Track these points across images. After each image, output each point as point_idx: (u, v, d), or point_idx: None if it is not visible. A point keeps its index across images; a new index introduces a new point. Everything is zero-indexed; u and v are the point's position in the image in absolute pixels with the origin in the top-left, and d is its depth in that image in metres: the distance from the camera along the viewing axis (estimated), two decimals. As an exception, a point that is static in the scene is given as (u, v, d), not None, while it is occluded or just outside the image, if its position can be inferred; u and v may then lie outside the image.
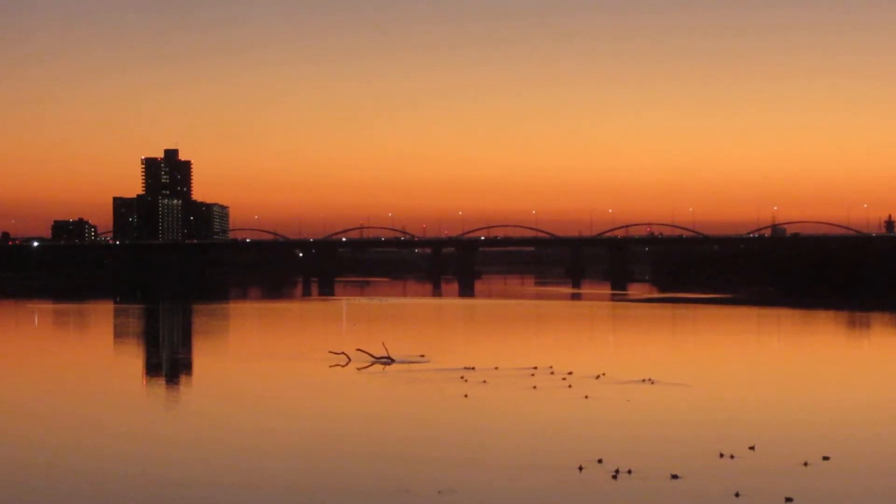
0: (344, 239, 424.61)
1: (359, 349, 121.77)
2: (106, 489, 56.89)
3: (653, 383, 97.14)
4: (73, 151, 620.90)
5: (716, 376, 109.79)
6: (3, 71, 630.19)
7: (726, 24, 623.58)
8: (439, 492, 53.35)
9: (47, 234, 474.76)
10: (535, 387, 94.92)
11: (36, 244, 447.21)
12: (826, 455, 62.36)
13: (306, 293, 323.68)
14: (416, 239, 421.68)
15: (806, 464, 60.21)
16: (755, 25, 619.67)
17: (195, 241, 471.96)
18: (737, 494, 52.66)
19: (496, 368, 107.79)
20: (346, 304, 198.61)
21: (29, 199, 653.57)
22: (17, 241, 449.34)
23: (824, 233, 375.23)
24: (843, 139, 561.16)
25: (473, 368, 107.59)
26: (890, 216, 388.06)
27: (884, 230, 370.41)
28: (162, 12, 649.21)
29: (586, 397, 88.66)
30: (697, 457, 61.99)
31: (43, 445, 71.06)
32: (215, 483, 57.98)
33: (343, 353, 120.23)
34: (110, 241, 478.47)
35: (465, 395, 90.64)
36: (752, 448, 64.39)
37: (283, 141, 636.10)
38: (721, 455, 62.07)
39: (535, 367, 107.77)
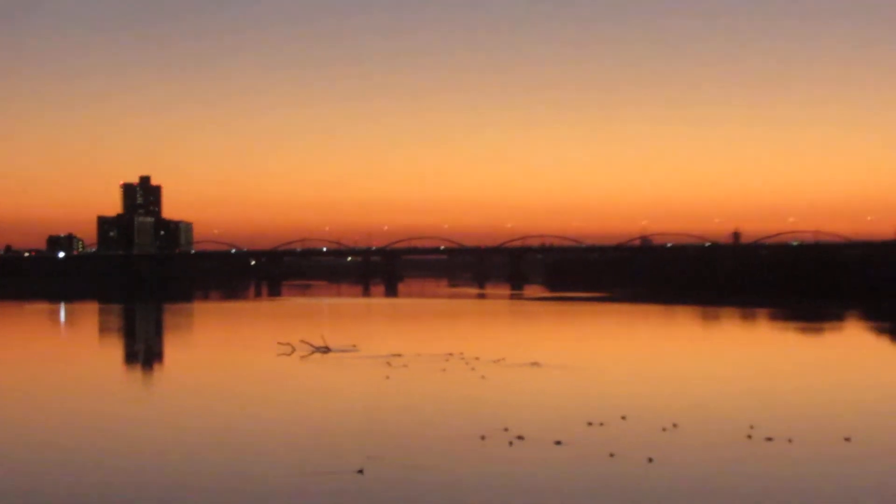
0: (301, 249, 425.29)
1: (302, 340, 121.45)
2: (71, 455, 56.74)
3: (539, 366, 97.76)
4: (62, 176, 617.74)
5: (592, 359, 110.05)
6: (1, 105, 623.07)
7: (603, 57, 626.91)
8: (368, 457, 53.43)
9: (42, 246, 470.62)
10: (444, 370, 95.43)
11: (26, 254, 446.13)
12: (675, 423, 63.17)
13: (258, 294, 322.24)
14: (349, 249, 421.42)
15: (664, 429, 61.01)
16: (627, 58, 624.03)
17: (165, 252, 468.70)
18: (611, 455, 53.26)
19: (418, 355, 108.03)
20: (326, 304, 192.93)
21: (26, 217, 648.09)
22: (34, 253, 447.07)
23: (683, 242, 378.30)
24: (700, 164, 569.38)
25: (399, 355, 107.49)
26: (736, 229, 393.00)
27: (731, 240, 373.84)
28: (137, 56, 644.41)
29: (483, 377, 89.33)
30: (577, 426, 62.53)
31: (26, 420, 70.85)
32: (162, 448, 57.92)
33: (289, 343, 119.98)
34: (95, 252, 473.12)
35: (387, 377, 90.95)
36: (623, 418, 65.13)
37: (239, 168, 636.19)
38: (601, 424, 62.91)
39: (450, 354, 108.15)
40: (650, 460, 51.99)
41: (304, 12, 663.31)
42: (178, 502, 44.86)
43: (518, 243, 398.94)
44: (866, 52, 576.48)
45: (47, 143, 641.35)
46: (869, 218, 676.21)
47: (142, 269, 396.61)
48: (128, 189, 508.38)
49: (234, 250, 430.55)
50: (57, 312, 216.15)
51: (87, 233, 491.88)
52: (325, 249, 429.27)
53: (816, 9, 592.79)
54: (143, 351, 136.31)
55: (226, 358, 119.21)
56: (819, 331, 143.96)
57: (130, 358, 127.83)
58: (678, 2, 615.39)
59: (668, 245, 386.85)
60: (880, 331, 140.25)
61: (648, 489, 46.61)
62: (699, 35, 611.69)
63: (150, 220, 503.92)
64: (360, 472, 49.97)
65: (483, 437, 58.28)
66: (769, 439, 57.24)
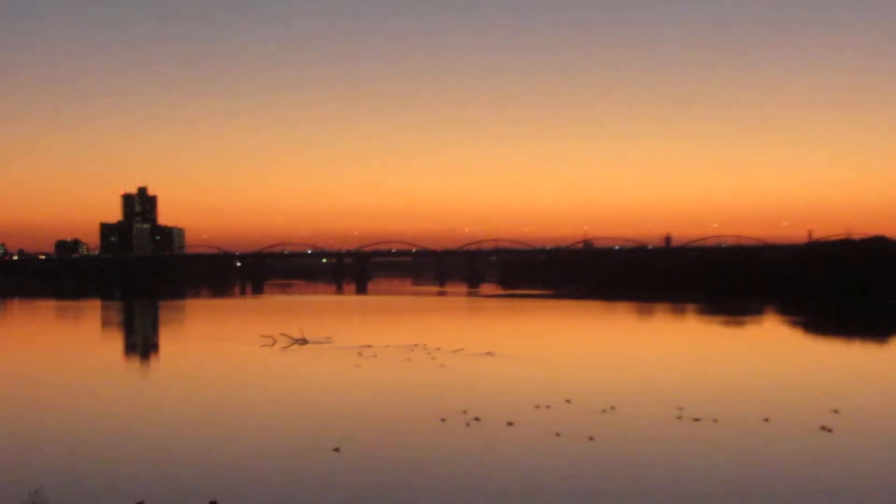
0: (281, 251, 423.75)
1: (282, 333, 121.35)
2: (77, 428, 57.07)
3: (494, 355, 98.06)
4: (69, 187, 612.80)
5: (540, 349, 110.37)
6: (11, 118, 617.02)
7: (547, 83, 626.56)
8: (343, 437, 53.78)
9: (51, 250, 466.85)
10: (409, 359, 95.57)
11: (42, 257, 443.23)
12: (613, 405, 63.60)
13: (243, 292, 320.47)
14: (324, 252, 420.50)
15: (603, 411, 61.54)
16: (568, 83, 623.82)
17: (160, 254, 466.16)
18: (557, 434, 53.68)
19: (386, 346, 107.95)
20: (309, 301, 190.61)
21: (35, 224, 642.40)
22: (52, 256, 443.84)
23: (620, 245, 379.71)
24: (635, 175, 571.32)
25: (369, 346, 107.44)
26: (667, 233, 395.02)
27: (663, 243, 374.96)
28: (135, 80, 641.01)
29: (443, 366, 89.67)
30: (527, 408, 63.00)
31: (36, 400, 70.72)
32: (155, 423, 58.34)
33: (270, 336, 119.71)
34: (98, 255, 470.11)
35: (358, 366, 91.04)
36: (568, 401, 65.50)
37: (227, 180, 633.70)
38: (548, 406, 63.52)
39: (415, 345, 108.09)
40: (591, 439, 52.69)
41: (290, 37, 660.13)
42: (168, 475, 45.05)
43: (474, 246, 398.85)
44: (781, 69, 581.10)
45: (55, 157, 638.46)
46: (784, 223, 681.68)
47: (139, 270, 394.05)
48: (127, 199, 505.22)
49: (221, 253, 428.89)
50: (64, 309, 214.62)
51: (91, 238, 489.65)
52: (303, 252, 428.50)
53: (735, 25, 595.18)
54: (140, 342, 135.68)
55: (214, 348, 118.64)
56: (740, 324, 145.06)
57: (129, 348, 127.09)
58: (615, 22, 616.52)
59: (607, 247, 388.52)
60: (793, 324, 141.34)
61: (590, 465, 47.26)
62: (631, 56, 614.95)
63: (146, 226, 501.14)
64: (337, 450, 50.43)
65: (444, 420, 58.76)
66: (697, 420, 57.99)
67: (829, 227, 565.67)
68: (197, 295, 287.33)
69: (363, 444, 52.18)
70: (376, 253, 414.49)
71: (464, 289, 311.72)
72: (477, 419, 58.95)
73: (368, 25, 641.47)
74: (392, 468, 46.82)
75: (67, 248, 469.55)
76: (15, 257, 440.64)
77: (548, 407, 63.22)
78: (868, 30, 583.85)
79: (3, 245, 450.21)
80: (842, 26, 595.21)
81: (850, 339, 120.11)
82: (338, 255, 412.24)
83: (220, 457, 50.30)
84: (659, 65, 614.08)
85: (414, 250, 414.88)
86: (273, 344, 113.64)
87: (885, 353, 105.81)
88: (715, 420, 57.82)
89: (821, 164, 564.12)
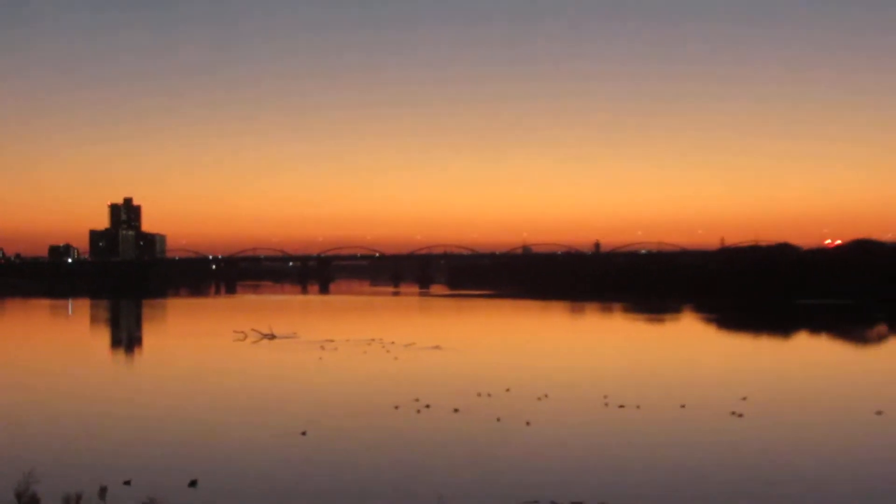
0: (252, 255, 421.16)
1: (253, 329, 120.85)
2: (68, 409, 56.78)
3: (441, 349, 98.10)
4: (61, 196, 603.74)
5: (483, 343, 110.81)
6: (6, 132, 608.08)
7: (493, 106, 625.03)
8: (308, 422, 53.55)
9: (45, 254, 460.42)
10: (366, 352, 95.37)
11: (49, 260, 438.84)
12: (547, 393, 63.85)
13: (217, 292, 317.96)
14: (290, 256, 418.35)
15: (539, 399, 61.80)
16: (511, 107, 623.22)
17: (144, 258, 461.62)
18: (498, 419, 53.87)
19: (346, 340, 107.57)
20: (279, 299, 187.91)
21: (30, 230, 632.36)
22: (56, 258, 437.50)
23: (555, 251, 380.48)
24: (569, 189, 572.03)
25: (331, 340, 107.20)
26: (596, 240, 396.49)
27: (593, 249, 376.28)
28: (120, 102, 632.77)
29: (396, 358, 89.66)
30: (471, 396, 63.10)
31: (28, 388, 69.75)
32: (144, 407, 57.75)
33: (242, 331, 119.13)
34: (88, 259, 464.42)
35: (321, 358, 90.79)
36: (507, 390, 65.71)
37: (204, 191, 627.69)
38: (489, 395, 63.70)
39: (372, 339, 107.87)
40: (528, 423, 53.00)
41: (264, 65, 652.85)
42: (152, 456, 44.73)
43: (425, 251, 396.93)
44: (699, 92, 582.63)
45: (48, 168, 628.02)
46: (699, 231, 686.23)
47: (124, 272, 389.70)
48: (114, 208, 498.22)
49: (198, 256, 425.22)
50: (57, 307, 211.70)
51: (81, 243, 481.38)
52: (271, 256, 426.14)
53: (656, 53, 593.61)
54: (125, 336, 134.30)
55: (191, 342, 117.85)
56: (661, 321, 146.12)
57: (115, 342, 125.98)
58: (552, 51, 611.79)
59: (543, 253, 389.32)
60: (708, 320, 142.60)
61: (527, 446, 47.68)
62: (564, 84, 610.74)
63: (131, 233, 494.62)
64: (304, 433, 50.55)
65: (397, 407, 58.77)
66: (621, 406, 58.40)
67: (739, 235, 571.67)
68: (176, 294, 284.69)
69: (327, 429, 52.08)
70: (338, 257, 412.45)
71: (416, 289, 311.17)
72: (427, 406, 59.06)
73: (338, 58, 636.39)
74: (353, 449, 46.85)
75: (60, 252, 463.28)
76: (12, 259, 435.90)
77: (489, 395, 63.40)
78: (776, 61, 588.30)
79: (1, 250, 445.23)
80: (751, 57, 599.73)
81: (758, 334, 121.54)
82: (303, 259, 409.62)
83: (199, 440, 50.06)
84: (589, 94, 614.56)
85: (372, 255, 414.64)
86: (244, 338, 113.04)
87: (788, 347, 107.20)
88: (638, 406, 58.27)
89: (732, 178, 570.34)
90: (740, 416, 54.66)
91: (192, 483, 39.09)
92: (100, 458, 44.81)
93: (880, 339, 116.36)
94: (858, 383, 71.26)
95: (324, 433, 50.97)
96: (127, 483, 37.93)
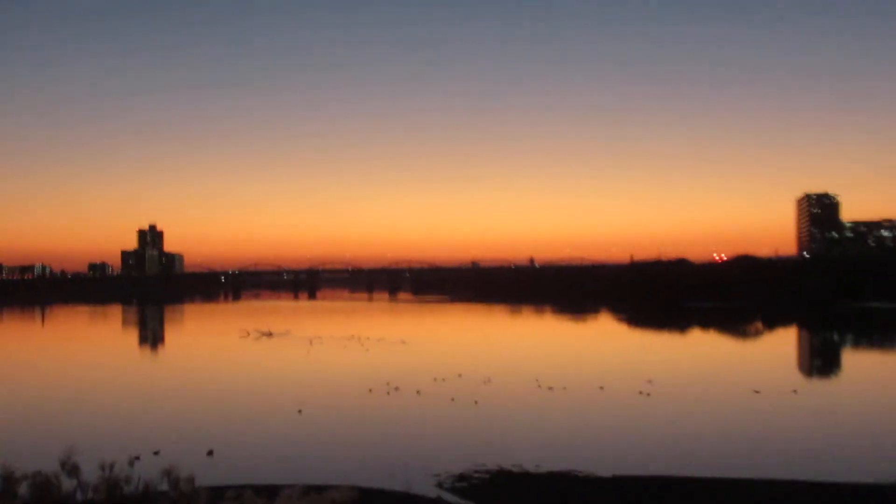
0: (254, 269, 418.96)
1: (255, 328, 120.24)
2: (105, 398, 56.19)
3: (406, 343, 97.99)
4: (98, 223, 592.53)
5: (439, 337, 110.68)
6: (45, 158, 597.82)
7: (444, 140, 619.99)
8: (301, 402, 53.38)
9: (85, 269, 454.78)
10: (345, 346, 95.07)
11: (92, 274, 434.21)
12: (490, 378, 64.05)
13: (226, 300, 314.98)
14: (285, 270, 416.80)
15: (484, 382, 62.07)
16: (456, 141, 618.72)
17: (165, 273, 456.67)
18: (452, 399, 54.00)
19: (330, 337, 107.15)
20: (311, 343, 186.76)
21: (73, 250, 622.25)
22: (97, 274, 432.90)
23: (499, 265, 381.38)
24: (509, 214, 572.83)
25: (319, 337, 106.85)
26: (531, 256, 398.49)
27: (529, 263, 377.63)
28: (147, 137, 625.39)
29: (367, 350, 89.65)
30: (430, 380, 63.22)
31: (69, 375, 68.90)
32: (163, 392, 57.64)
33: (246, 330, 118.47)
34: (120, 273, 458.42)
35: (308, 352, 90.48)
36: (459, 375, 65.71)
37: (215, 218, 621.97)
38: (443, 379, 63.79)
39: (351, 336, 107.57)
40: (476, 402, 53.24)
41: (264, 106, 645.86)
42: (176, 431, 44.45)
43: (394, 266, 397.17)
44: (613, 136, 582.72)
45: (88, 199, 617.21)
46: (613, 249, 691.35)
47: (150, 285, 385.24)
48: (141, 232, 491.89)
49: (210, 271, 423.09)
50: (95, 312, 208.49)
51: (115, 261, 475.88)
52: (274, 270, 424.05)
53: (582, 85, 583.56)
54: (150, 334, 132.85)
55: (204, 339, 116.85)
56: (582, 320, 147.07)
57: (141, 339, 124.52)
58: (489, 90, 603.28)
59: (489, 266, 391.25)
60: (620, 320, 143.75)
61: (476, 420, 47.97)
62: (504, 120, 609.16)
63: (155, 253, 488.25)
64: (300, 411, 50.60)
65: (370, 390, 58.74)
66: (551, 388, 58.89)
67: (645, 252, 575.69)
68: (192, 301, 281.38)
69: (318, 408, 52.13)
70: (323, 271, 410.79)
71: (386, 296, 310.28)
72: (396, 389, 59.16)
73: (319, 107, 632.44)
74: (341, 424, 47.06)
75: (97, 268, 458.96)
76: (57, 274, 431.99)
77: (443, 379, 63.58)
78: (668, 103, 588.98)
79: (49, 267, 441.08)
80: (652, 103, 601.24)
81: (660, 330, 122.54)
82: (295, 273, 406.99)
83: (214, 417, 49.84)
84: (526, 139, 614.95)
85: (351, 269, 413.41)
86: (248, 336, 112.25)
87: (684, 340, 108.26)
88: (564, 388, 58.72)
89: (639, 206, 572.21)
90: (648, 395, 55.21)
91: (210, 452, 38.91)
92: (133, 433, 44.50)
93: (757, 333, 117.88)
94: (739, 368, 72.20)
95: (316, 411, 51.02)
96: (156, 453, 37.67)
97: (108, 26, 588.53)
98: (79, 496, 18.24)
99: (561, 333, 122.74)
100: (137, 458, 33.38)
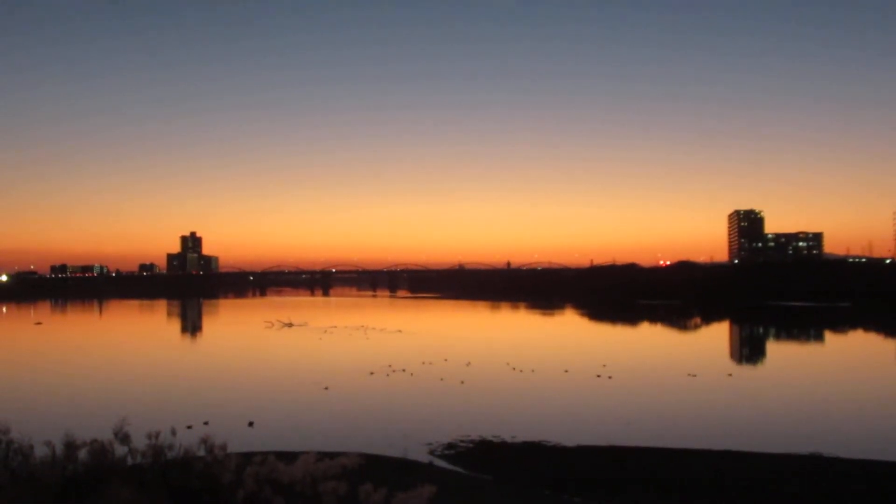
0: (277, 270, 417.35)
1: (278, 320, 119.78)
2: (144, 381, 55.77)
3: (402, 332, 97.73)
4: (146, 229, 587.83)
5: (431, 327, 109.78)
6: (101, 174, 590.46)
7: (433, 156, 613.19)
8: (322, 380, 53.13)
9: (136, 269, 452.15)
10: (352, 335, 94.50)
11: (144, 273, 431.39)
12: (470, 362, 63.59)
13: (254, 295, 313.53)
14: (303, 270, 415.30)
15: (467, 365, 62.07)
16: (441, 157, 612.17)
17: (204, 273, 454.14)
18: (441, 379, 53.86)
19: (344, 326, 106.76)
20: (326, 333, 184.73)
21: (125, 253, 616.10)
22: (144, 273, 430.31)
23: (482, 268, 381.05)
24: (491, 221, 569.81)
25: (334, 326, 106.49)
26: (508, 260, 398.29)
27: (506, 266, 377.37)
28: (192, 154, 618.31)
29: (367, 338, 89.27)
30: (419, 364, 62.86)
31: (121, 359, 68.51)
32: (200, 375, 57.18)
33: (270, 321, 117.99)
34: (165, 273, 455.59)
35: (321, 339, 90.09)
36: (445, 360, 65.34)
37: (245, 224, 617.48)
38: (431, 363, 63.53)
39: (360, 326, 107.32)
40: (462, 382, 53.05)
41: (286, 123, 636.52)
42: (219, 404, 44.07)
43: (393, 268, 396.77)
44: (570, 143, 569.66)
45: (137, 208, 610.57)
46: (576, 255, 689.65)
47: (192, 282, 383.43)
48: (183, 238, 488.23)
49: (241, 271, 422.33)
50: (145, 305, 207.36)
51: (161, 262, 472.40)
52: (290, 271, 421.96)
53: (524, 102, 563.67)
54: (192, 324, 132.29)
55: (236, 328, 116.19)
56: (551, 314, 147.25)
57: (184, 327, 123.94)
58: (465, 101, 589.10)
59: (473, 269, 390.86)
60: (581, 315, 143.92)
61: (462, 396, 47.78)
62: (476, 135, 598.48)
63: (195, 255, 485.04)
64: (326, 388, 50.43)
65: (372, 373, 58.41)
66: (521, 371, 58.79)
67: (603, 257, 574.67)
68: (226, 297, 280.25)
69: (341, 385, 51.98)
70: (336, 272, 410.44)
71: (387, 293, 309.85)
72: (393, 371, 58.93)
73: (325, 129, 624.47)
74: (359, 398, 46.97)
75: (146, 268, 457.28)
76: (113, 274, 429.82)
77: (431, 363, 63.36)
78: (627, 121, 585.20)
79: (106, 267, 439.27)
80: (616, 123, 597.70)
81: (614, 323, 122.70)
82: (312, 273, 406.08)
83: (251, 393, 49.55)
84: (502, 151, 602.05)
85: (358, 270, 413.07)
86: (272, 326, 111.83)
87: (633, 332, 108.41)
88: (533, 370, 58.66)
89: (597, 218, 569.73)
90: (606, 377, 55.20)
91: (250, 424, 38.58)
92: (179, 407, 44.07)
93: (695, 327, 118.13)
94: (679, 356, 72.25)
95: (339, 388, 50.92)
96: (206, 423, 37.26)
97: (147, 47, 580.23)
98: (129, 461, 18.04)
99: (532, 325, 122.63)
100: (189, 426, 33.22)
